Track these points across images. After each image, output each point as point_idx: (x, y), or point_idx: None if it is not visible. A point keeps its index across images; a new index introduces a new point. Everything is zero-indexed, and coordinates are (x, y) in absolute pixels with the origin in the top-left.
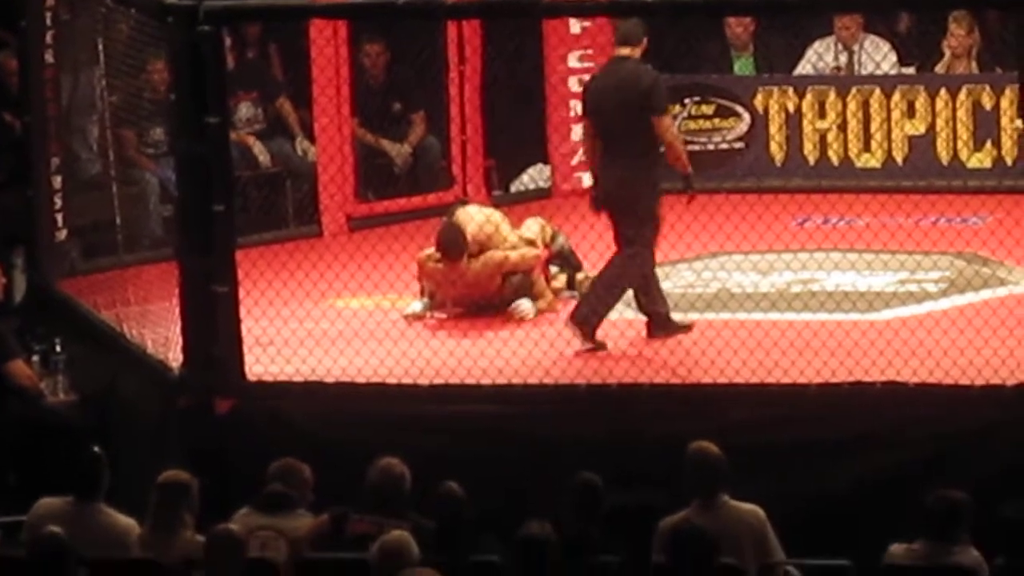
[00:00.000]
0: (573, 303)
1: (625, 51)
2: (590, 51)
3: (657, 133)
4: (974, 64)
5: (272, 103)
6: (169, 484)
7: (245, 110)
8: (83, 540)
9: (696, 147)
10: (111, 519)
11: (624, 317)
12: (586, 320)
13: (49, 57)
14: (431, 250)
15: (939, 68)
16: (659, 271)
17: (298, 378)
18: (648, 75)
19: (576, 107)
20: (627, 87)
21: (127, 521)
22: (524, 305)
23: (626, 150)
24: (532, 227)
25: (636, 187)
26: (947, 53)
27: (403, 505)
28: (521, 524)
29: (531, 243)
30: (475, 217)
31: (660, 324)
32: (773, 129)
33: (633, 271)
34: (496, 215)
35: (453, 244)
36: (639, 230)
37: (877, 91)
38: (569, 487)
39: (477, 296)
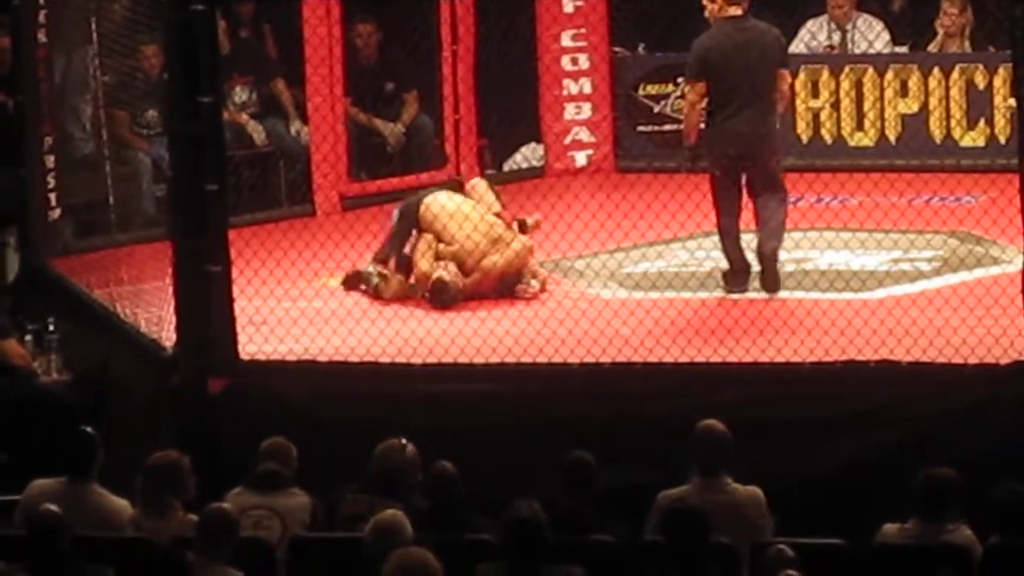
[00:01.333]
0: (567, 281)
1: (739, 10)
2: (583, 30)
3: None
4: (967, 43)
5: (267, 85)
6: (156, 466)
7: (240, 93)
8: (76, 520)
9: None
10: (104, 499)
11: (617, 296)
12: (777, 280)
13: (42, 36)
14: (425, 266)
15: (932, 47)
16: (652, 250)
17: (291, 357)
18: (777, 31)
19: (569, 86)
20: (766, 43)
21: (120, 502)
22: (532, 284)
23: (762, 102)
24: (482, 188)
25: (774, 135)
26: (940, 32)
27: (407, 489)
28: (512, 503)
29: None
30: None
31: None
32: None
33: (786, 210)
34: (475, 214)
35: (449, 300)
36: (778, 173)
37: (870, 70)
38: (561, 465)
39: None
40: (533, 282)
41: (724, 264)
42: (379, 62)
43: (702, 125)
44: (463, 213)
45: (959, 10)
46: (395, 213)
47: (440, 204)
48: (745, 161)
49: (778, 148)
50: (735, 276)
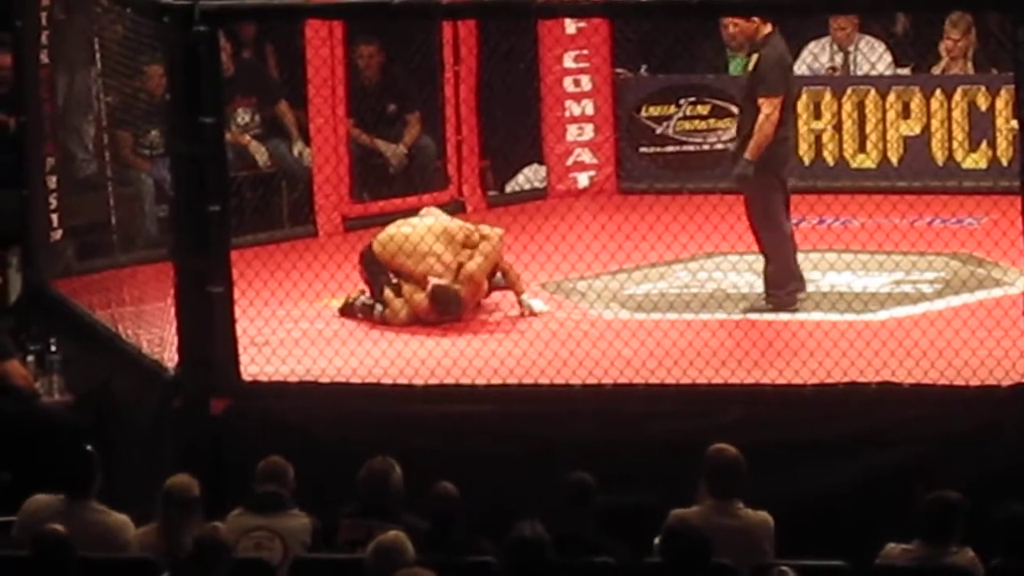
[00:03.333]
0: (569, 303)
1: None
2: (585, 51)
3: None
4: (970, 65)
5: (271, 107)
6: (179, 496)
7: (242, 115)
8: (76, 538)
9: (691, 147)
10: (103, 516)
11: (619, 318)
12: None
13: (44, 57)
14: (419, 295)
15: (936, 70)
16: (654, 271)
17: (293, 378)
18: None
19: (571, 107)
20: None
21: (119, 517)
22: (536, 304)
23: None
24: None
25: None
26: (944, 56)
27: (392, 505)
28: (514, 524)
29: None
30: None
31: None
32: None
33: None
34: (428, 236)
35: (454, 306)
36: None
37: (872, 92)
38: (560, 486)
39: (480, 294)
40: (535, 302)
41: (725, 286)
42: (381, 83)
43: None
44: (414, 242)
45: (962, 33)
46: (360, 267)
47: (392, 240)
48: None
49: None
50: (793, 290)
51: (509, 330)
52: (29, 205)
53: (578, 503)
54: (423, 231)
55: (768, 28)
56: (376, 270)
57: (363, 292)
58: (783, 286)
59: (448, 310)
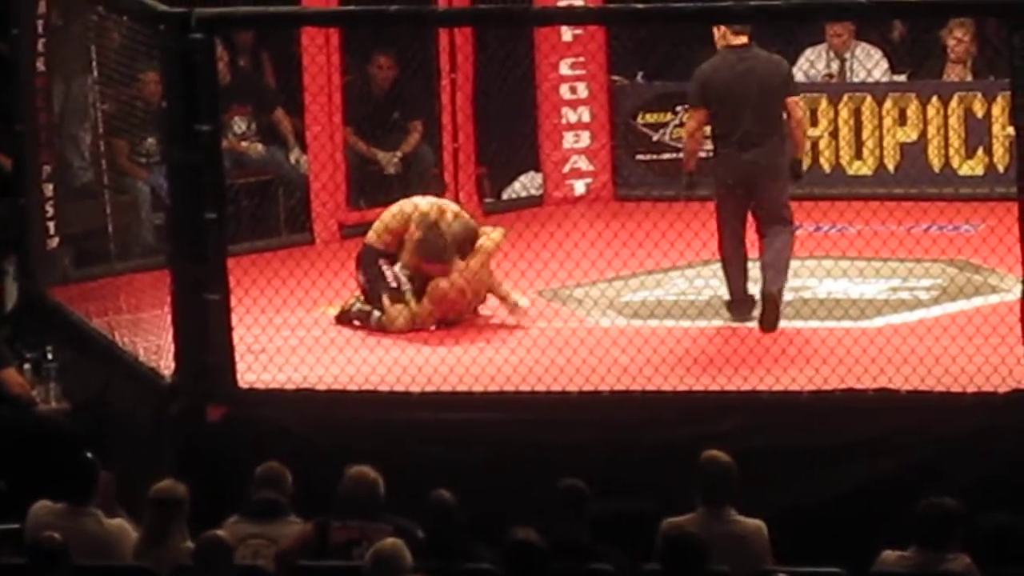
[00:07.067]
0: (566, 310)
1: (742, 39)
2: (582, 59)
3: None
4: (968, 72)
5: (267, 115)
6: (162, 497)
7: (239, 123)
8: (76, 545)
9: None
10: (103, 523)
11: (616, 325)
12: (777, 320)
13: (41, 65)
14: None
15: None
16: (651, 278)
17: (290, 386)
18: (779, 59)
19: (568, 115)
20: (768, 71)
21: (118, 522)
22: (522, 300)
23: (767, 133)
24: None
25: (780, 166)
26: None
27: (379, 510)
28: (510, 531)
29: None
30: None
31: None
32: None
33: (792, 247)
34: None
35: (440, 249)
36: (785, 206)
37: (869, 98)
38: (554, 493)
39: (482, 293)
40: (522, 299)
41: (722, 292)
42: (389, 93)
43: (701, 154)
44: (402, 207)
45: (970, 36)
46: (358, 273)
47: (383, 216)
48: (748, 192)
49: (785, 180)
50: (737, 307)
51: (506, 337)
52: (26, 213)
53: (571, 510)
54: (410, 200)
55: (723, 40)
56: (374, 273)
57: (359, 299)
58: (736, 302)
59: (435, 253)
